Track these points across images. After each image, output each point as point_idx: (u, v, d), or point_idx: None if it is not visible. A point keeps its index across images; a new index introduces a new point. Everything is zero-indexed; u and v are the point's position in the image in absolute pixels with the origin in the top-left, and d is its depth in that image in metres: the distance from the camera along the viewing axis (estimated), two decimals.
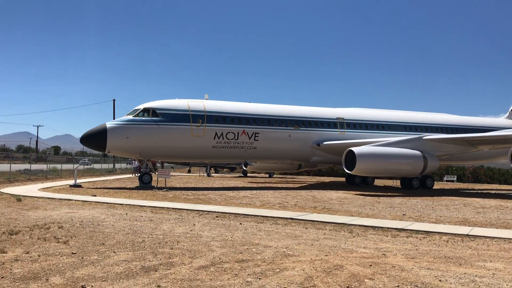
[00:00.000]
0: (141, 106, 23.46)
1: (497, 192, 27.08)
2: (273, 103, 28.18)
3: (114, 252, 7.03)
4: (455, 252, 7.80)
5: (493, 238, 9.35)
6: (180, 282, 5.42)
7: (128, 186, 23.64)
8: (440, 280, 5.81)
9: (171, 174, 26.59)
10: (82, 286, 5.17)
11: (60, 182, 26.58)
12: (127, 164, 54.31)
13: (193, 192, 20.65)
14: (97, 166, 44.79)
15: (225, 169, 55.01)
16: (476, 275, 6.14)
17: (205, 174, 44.82)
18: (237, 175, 48.57)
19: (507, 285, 5.70)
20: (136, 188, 22.28)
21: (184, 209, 13.28)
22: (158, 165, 42.68)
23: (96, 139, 22.29)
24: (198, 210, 13.06)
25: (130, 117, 22.95)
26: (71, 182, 24.12)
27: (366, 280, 5.71)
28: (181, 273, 5.87)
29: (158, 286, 5.25)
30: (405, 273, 6.12)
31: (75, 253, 6.92)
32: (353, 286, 5.43)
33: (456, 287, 5.52)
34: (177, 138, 23.34)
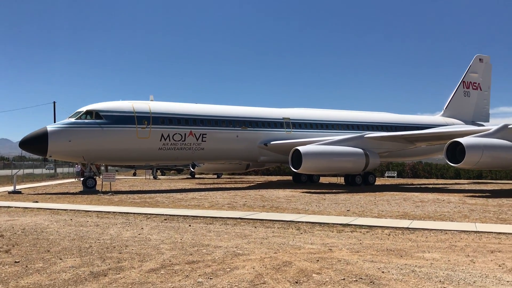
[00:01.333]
0: (84, 108, 22.78)
1: (434, 186, 28.52)
2: (220, 104, 28.21)
3: (61, 259, 6.86)
4: (396, 244, 8.21)
5: (431, 230, 9.90)
6: (130, 286, 5.40)
7: (71, 191, 22.91)
8: (383, 272, 6.12)
9: (116, 177, 26.04)
10: None
11: None
12: (69, 167, 52.48)
13: (140, 195, 20.32)
14: (37, 171, 43.01)
15: (172, 171, 54.37)
16: (415, 266, 6.52)
17: (151, 177, 44.11)
18: (184, 176, 48.20)
19: (443, 273, 6.10)
20: (80, 192, 21.64)
21: (131, 213, 13.07)
22: (102, 168, 41.55)
23: (36, 143, 21.39)
24: (145, 214, 12.90)
25: (72, 119, 22.23)
26: (10, 188, 23.06)
27: (313, 275, 5.92)
28: (131, 277, 5.84)
29: None
30: (350, 266, 6.40)
31: (19, 261, 6.69)
32: (301, 281, 5.63)
33: (397, 277, 5.84)
34: (122, 140, 22.83)
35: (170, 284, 5.48)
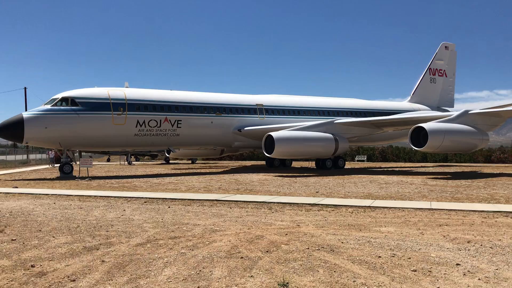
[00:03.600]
0: (59, 95, 23.04)
1: (401, 169, 29.91)
2: (195, 90, 28.76)
3: (53, 237, 7.52)
4: (357, 220, 9.15)
5: (390, 208, 10.90)
6: (122, 257, 6.14)
7: (48, 177, 23.25)
8: (342, 242, 7.03)
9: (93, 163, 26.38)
10: (31, 265, 5.71)
11: None
12: (43, 154, 52.08)
13: (117, 180, 20.85)
14: (9, 157, 42.74)
15: (146, 157, 54.64)
16: (371, 237, 7.45)
17: (126, 163, 44.39)
18: (159, 162, 48.58)
19: (394, 242, 7.04)
20: (57, 178, 22.02)
21: (111, 197, 13.71)
22: (76, 154, 41.50)
23: (12, 130, 21.60)
24: (126, 197, 13.55)
25: (48, 106, 22.48)
26: None
27: (282, 245, 6.78)
28: (121, 250, 6.57)
29: (103, 261, 5.93)
30: (315, 238, 7.29)
31: (15, 239, 7.32)
32: (271, 250, 6.48)
33: (354, 246, 6.75)
34: (98, 127, 23.24)
35: (156, 255, 6.24)
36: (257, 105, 29.04)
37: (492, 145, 49.04)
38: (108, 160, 53.89)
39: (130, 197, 13.47)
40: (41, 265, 5.76)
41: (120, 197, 13.63)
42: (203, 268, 5.58)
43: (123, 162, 44.92)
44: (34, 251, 6.50)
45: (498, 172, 25.96)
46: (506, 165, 37.29)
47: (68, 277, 5.23)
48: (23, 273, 5.38)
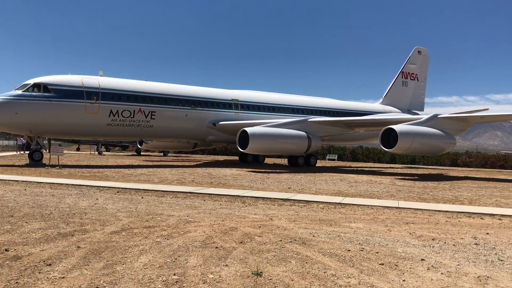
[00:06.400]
0: (31, 81, 22.57)
1: (370, 169, 30.53)
2: (171, 83, 28.62)
3: (26, 222, 7.49)
4: (328, 216, 9.42)
5: (359, 205, 11.23)
6: (97, 244, 6.19)
7: (16, 164, 22.79)
8: (313, 236, 7.26)
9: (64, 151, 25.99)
10: (5, 249, 5.70)
11: None
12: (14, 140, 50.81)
13: (88, 169, 20.63)
14: None
15: (116, 148, 53.99)
16: (341, 232, 7.70)
17: (96, 152, 43.79)
18: (130, 153, 48.08)
19: (363, 238, 7.31)
20: (27, 165, 21.63)
21: (84, 185, 13.59)
22: (45, 142, 40.71)
23: None
24: (98, 186, 13.47)
25: (19, 92, 22.01)
26: None
27: (256, 237, 6.96)
28: (96, 237, 6.61)
29: (78, 247, 5.97)
30: (287, 231, 7.49)
31: None
32: (245, 241, 6.64)
33: (325, 240, 6.99)
34: (70, 115, 22.90)
35: (132, 243, 6.32)
36: (232, 100, 29.13)
37: (458, 149, 50.58)
38: (78, 149, 53.00)
39: (102, 187, 13.39)
40: (15, 249, 5.76)
41: (93, 186, 13.54)
42: (179, 256, 5.69)
43: (93, 152, 44.27)
44: (7, 236, 6.47)
45: (463, 175, 26.83)
46: (471, 169, 38.51)
47: (44, 261, 5.26)
48: None
